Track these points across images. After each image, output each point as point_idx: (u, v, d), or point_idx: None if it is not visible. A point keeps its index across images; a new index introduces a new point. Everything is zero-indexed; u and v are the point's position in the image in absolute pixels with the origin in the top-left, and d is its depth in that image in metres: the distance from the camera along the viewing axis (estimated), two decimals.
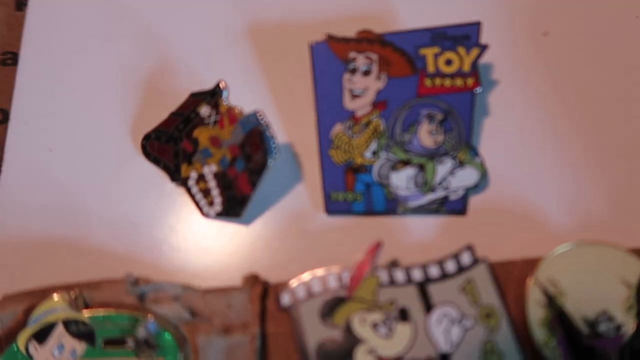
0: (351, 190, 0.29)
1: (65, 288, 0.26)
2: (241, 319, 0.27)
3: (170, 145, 0.30)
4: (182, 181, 0.30)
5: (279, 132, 0.30)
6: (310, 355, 0.24)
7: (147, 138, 0.30)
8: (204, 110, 0.29)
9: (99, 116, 0.33)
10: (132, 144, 0.32)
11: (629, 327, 0.23)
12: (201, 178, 0.29)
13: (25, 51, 0.35)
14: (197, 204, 0.30)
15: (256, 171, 0.28)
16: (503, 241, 0.27)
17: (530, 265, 0.25)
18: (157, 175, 0.31)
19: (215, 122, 0.29)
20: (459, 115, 0.28)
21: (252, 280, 0.27)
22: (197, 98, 0.30)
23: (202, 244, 0.29)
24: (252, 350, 0.26)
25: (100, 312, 0.25)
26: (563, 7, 0.32)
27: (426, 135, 0.28)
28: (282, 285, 0.27)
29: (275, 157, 0.28)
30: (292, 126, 0.31)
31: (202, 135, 0.29)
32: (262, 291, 0.27)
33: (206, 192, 0.29)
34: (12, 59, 0.36)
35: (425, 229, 0.28)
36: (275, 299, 0.26)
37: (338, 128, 0.29)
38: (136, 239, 0.30)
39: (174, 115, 0.30)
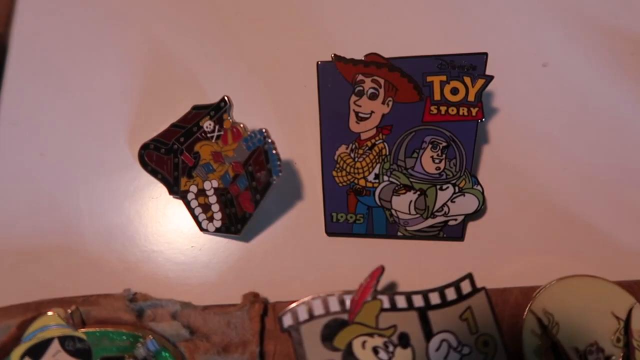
0: (353, 212, 0.29)
1: (61, 303, 0.25)
2: (240, 337, 0.27)
3: (170, 157, 0.29)
4: (181, 194, 0.29)
5: (282, 151, 0.30)
6: None
7: (145, 147, 0.30)
8: (207, 124, 0.29)
9: (93, 121, 0.32)
10: (128, 151, 0.31)
11: (618, 359, 0.24)
12: (201, 192, 0.29)
13: (14, 50, 0.34)
14: (195, 218, 0.29)
15: (259, 190, 0.28)
16: (499, 268, 0.28)
17: (525, 293, 0.26)
18: (153, 185, 0.30)
19: (219, 137, 0.29)
20: (462, 143, 0.29)
21: (252, 298, 0.27)
22: (200, 111, 0.29)
23: (200, 259, 0.29)
24: None
25: (98, 329, 0.25)
26: (562, 40, 0.33)
27: (429, 162, 0.29)
28: (282, 304, 0.27)
29: (279, 177, 0.28)
30: (295, 145, 0.31)
31: (204, 149, 0.29)
32: (262, 310, 0.27)
33: (206, 207, 0.29)
34: None
35: (424, 253, 0.29)
36: (276, 318, 0.27)
37: (342, 149, 0.29)
38: (131, 250, 0.29)
39: (174, 127, 0.30)
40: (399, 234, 0.29)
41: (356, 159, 0.29)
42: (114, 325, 0.25)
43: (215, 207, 0.29)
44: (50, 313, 0.25)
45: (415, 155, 0.29)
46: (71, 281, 0.28)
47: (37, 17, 0.35)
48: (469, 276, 0.25)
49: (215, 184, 0.29)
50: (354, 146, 0.29)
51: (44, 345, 0.24)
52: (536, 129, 0.31)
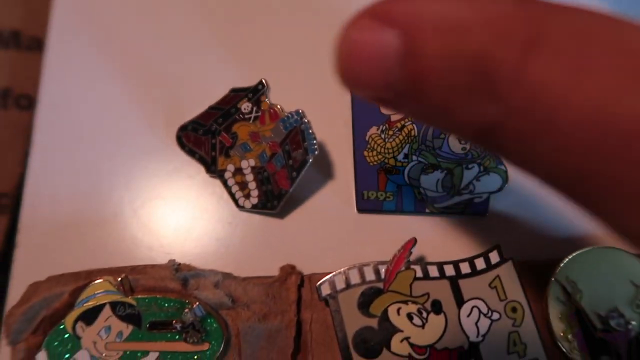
0: (383, 190, 0.31)
1: (110, 272, 0.27)
2: (278, 306, 0.28)
3: (208, 137, 0.31)
4: (218, 173, 0.31)
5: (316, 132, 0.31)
6: (349, 341, 0.26)
7: (183, 129, 0.31)
8: (245, 106, 0.30)
9: (132, 106, 0.33)
10: (165, 134, 0.32)
11: (637, 322, 0.26)
12: (238, 171, 0.30)
13: (53, 35, 0.35)
14: (232, 195, 0.30)
15: (295, 168, 0.29)
16: (522, 242, 0.30)
17: (549, 265, 0.27)
18: (190, 165, 0.31)
19: (256, 118, 0.30)
20: None
21: (289, 270, 0.29)
22: (237, 94, 0.31)
23: (237, 234, 0.30)
24: (290, 336, 0.27)
25: (146, 296, 0.26)
26: None
27: (455, 143, 0.30)
28: (317, 276, 0.28)
29: (315, 155, 0.29)
30: (327, 127, 0.32)
31: (241, 130, 0.30)
32: (298, 280, 0.28)
33: (243, 185, 0.30)
34: (37, 44, 0.36)
35: (450, 228, 0.31)
36: (312, 289, 0.28)
37: (373, 131, 0.31)
38: (172, 226, 0.30)
39: (212, 109, 0.31)
40: (427, 210, 0.30)
41: (386, 140, 0.31)
42: (161, 293, 0.26)
43: (252, 185, 0.30)
44: (101, 280, 0.26)
45: (442, 136, 0.30)
46: (117, 254, 0.29)
47: (75, 6, 0.36)
48: (497, 247, 0.27)
49: (252, 162, 0.30)
50: (384, 127, 0.31)
51: (96, 310, 0.25)
52: None
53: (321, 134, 0.32)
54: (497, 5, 0.15)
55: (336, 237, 0.31)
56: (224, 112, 0.30)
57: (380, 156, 0.31)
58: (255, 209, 0.30)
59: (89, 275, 0.26)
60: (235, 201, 0.31)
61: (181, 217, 0.31)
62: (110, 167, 0.32)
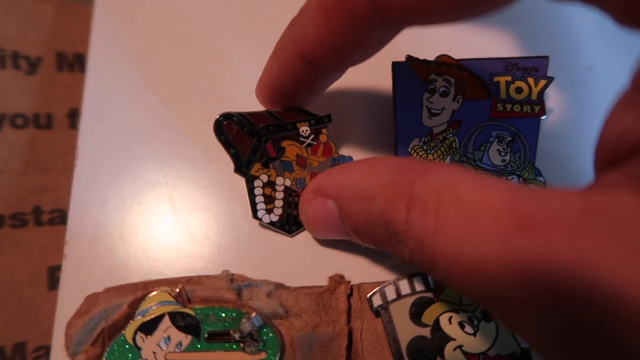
0: None
1: (167, 283, 0.27)
2: (329, 315, 0.28)
3: (252, 138, 0.30)
4: (248, 177, 0.30)
5: (360, 142, 0.32)
6: (403, 351, 0.27)
7: (227, 117, 0.29)
8: (304, 129, 0.30)
9: (172, 115, 0.33)
10: (209, 144, 0.32)
11: None
12: (270, 184, 0.30)
13: (94, 49, 0.35)
14: (253, 204, 0.30)
15: None
16: None
17: None
18: (235, 177, 0.32)
19: (309, 145, 0.30)
20: (525, 138, 0.31)
21: (338, 280, 0.29)
22: (301, 114, 0.30)
23: (285, 244, 0.31)
24: (342, 346, 0.28)
25: (204, 306, 0.26)
26: (606, 45, 0.37)
27: (495, 154, 0.31)
28: (366, 285, 0.29)
29: None
30: (370, 138, 0.33)
31: (290, 148, 0.30)
32: (348, 290, 0.29)
33: (269, 199, 0.30)
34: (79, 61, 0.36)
35: None
36: (361, 298, 0.28)
37: (415, 142, 0.31)
38: (220, 235, 0.31)
39: (268, 114, 0.30)
40: None
41: (428, 151, 0.31)
42: (218, 303, 0.27)
43: (279, 203, 0.30)
44: (159, 291, 0.26)
45: (483, 148, 0.31)
46: (168, 264, 0.29)
47: (115, 20, 0.36)
48: None
49: (287, 182, 0.30)
50: (426, 139, 0.31)
51: (155, 321, 0.26)
52: (587, 125, 0.34)
53: (366, 142, 0.33)
54: (388, 174, 0.20)
55: (376, 249, 0.31)
56: (281, 124, 0.30)
57: None
58: (272, 225, 0.30)
59: (147, 287, 0.27)
60: (255, 211, 0.30)
61: (229, 228, 0.31)
62: (154, 177, 0.32)
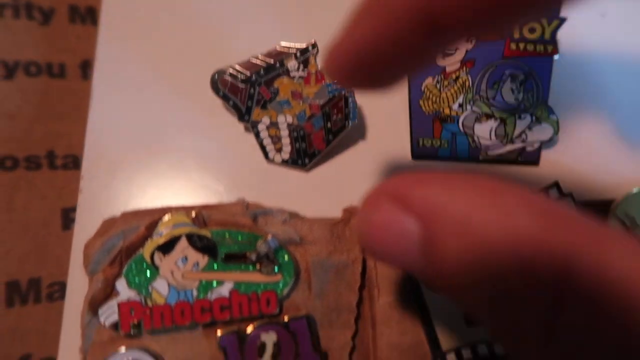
0: (438, 138, 0.32)
1: (183, 209, 0.27)
2: (343, 245, 0.29)
3: (246, 86, 0.31)
4: (251, 123, 0.31)
5: None
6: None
7: (220, 73, 0.31)
8: (292, 64, 0.31)
9: (184, 63, 0.34)
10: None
11: None
12: (273, 125, 0.31)
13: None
14: (263, 148, 0.31)
15: (333, 131, 0.30)
16: (574, 189, 0.31)
17: (606, 204, 0.28)
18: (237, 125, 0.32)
19: (301, 77, 0.31)
20: (538, 77, 0.31)
21: (352, 211, 0.30)
22: (286, 50, 0.31)
23: (299, 177, 0.31)
24: (357, 272, 0.28)
25: (220, 229, 0.27)
26: None
27: (508, 93, 0.32)
28: None
29: (354, 123, 0.30)
30: None
31: (283, 86, 0.31)
32: None
33: (275, 139, 0.31)
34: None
35: (504, 175, 0.32)
36: None
37: (429, 81, 0.32)
38: (234, 169, 0.31)
39: (256, 59, 0.31)
40: (480, 158, 0.32)
41: (442, 90, 0.32)
42: (234, 227, 0.27)
43: (286, 141, 0.31)
44: (176, 214, 0.26)
45: (496, 87, 0.32)
46: (186, 194, 0.29)
47: None
48: (556, 184, 0.28)
49: (289, 119, 0.31)
50: (439, 78, 0.32)
51: (173, 241, 0.26)
52: (598, 67, 0.34)
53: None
54: (526, 218, 0.14)
55: None
56: (269, 65, 0.31)
57: (435, 105, 0.32)
58: (285, 163, 0.31)
59: (163, 212, 0.27)
60: (265, 154, 0.31)
61: (243, 169, 0.31)
62: (167, 124, 0.32)
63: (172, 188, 0.30)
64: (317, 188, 0.31)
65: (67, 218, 0.32)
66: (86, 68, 0.36)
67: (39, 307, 0.30)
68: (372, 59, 0.18)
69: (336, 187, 0.31)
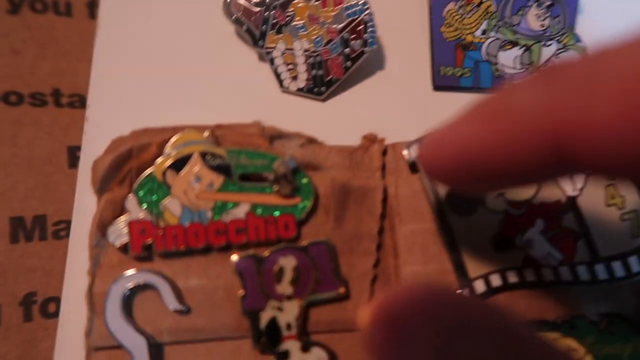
0: (460, 66, 0.30)
1: (195, 129, 0.26)
2: (362, 172, 0.27)
3: (260, 9, 0.29)
4: (265, 49, 0.29)
5: (389, 8, 0.31)
6: (443, 201, 0.26)
7: None
8: None
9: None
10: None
11: None
12: (288, 51, 0.29)
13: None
14: (277, 75, 0.29)
15: (351, 57, 0.29)
16: None
17: None
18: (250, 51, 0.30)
19: (317, 0, 0.29)
20: (565, 2, 0.30)
21: (372, 138, 0.28)
22: None
23: (315, 106, 0.30)
24: (378, 199, 0.26)
25: (236, 148, 0.25)
26: None
27: (534, 19, 0.30)
28: (402, 144, 0.28)
29: (373, 49, 0.29)
30: (400, 3, 0.32)
31: (299, 9, 0.29)
32: (382, 148, 0.28)
33: (291, 66, 0.30)
34: None
35: None
36: (398, 156, 0.27)
37: (451, 6, 0.30)
38: (241, 102, 0.30)
39: None
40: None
41: (464, 16, 0.30)
42: (250, 147, 0.26)
43: (302, 68, 0.29)
44: (189, 132, 0.25)
45: (521, 12, 0.30)
46: (198, 115, 0.28)
47: None
48: None
49: (305, 44, 0.29)
50: (462, 3, 0.30)
51: (185, 159, 0.24)
52: None
53: (394, 9, 0.32)
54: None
55: (413, 113, 0.30)
56: None
57: (457, 32, 0.30)
58: (301, 92, 0.30)
59: (175, 130, 0.25)
60: (280, 82, 0.29)
61: (257, 98, 0.30)
62: (175, 55, 0.31)
63: (181, 118, 0.29)
64: (333, 118, 0.30)
65: (74, 156, 0.30)
66: (93, 7, 0.34)
67: (45, 245, 0.29)
68: (484, 167, 0.16)
69: (353, 117, 0.30)
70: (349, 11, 0.29)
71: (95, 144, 0.27)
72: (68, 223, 0.29)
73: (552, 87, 0.14)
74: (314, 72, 0.29)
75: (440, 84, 0.30)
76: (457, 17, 0.30)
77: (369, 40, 0.29)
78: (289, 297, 0.24)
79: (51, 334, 0.26)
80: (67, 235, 0.28)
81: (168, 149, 0.24)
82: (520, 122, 0.15)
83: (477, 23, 0.30)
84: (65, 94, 0.32)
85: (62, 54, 0.33)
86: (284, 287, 0.24)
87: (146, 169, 0.24)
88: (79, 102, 0.32)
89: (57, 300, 0.27)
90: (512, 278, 0.25)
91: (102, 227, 0.24)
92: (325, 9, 0.29)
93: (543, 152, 0.14)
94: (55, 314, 0.26)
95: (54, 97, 0.32)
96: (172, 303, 0.23)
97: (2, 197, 0.29)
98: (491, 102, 0.16)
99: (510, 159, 0.15)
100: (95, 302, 0.23)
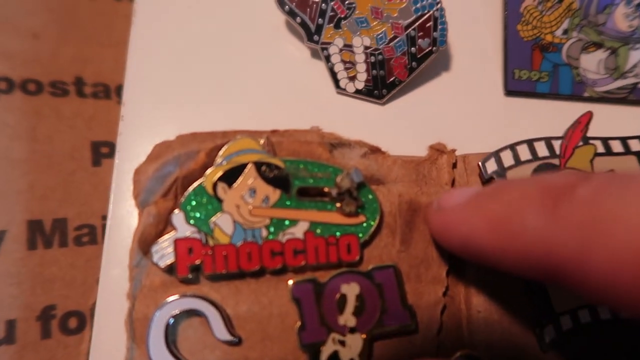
0: (537, 69, 0.27)
1: (249, 133, 0.23)
2: (430, 187, 0.24)
3: (318, 0, 0.26)
4: (321, 45, 0.26)
5: (459, 2, 0.27)
6: None
7: None
8: None
9: None
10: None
11: None
12: (347, 47, 0.26)
13: None
14: (333, 75, 0.27)
15: (417, 57, 0.26)
16: None
17: None
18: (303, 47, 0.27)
19: None
20: None
21: (440, 149, 0.25)
22: None
23: (378, 112, 0.27)
24: None
25: (295, 158, 0.22)
26: None
27: (621, 19, 0.27)
28: (473, 156, 0.25)
29: (443, 48, 0.26)
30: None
31: (362, 1, 0.26)
32: (453, 160, 0.25)
33: (349, 65, 0.26)
34: None
35: (612, 115, 0.27)
36: (469, 169, 0.24)
37: (529, 2, 0.27)
38: (291, 104, 0.27)
39: None
40: (586, 94, 0.27)
41: (544, 12, 0.27)
42: (309, 157, 0.23)
43: (361, 67, 0.26)
44: (243, 137, 0.22)
45: (607, 11, 0.27)
46: (244, 124, 0.25)
47: None
48: None
49: (366, 41, 0.26)
50: None
51: (238, 170, 0.22)
52: None
53: (463, 3, 0.28)
54: None
55: (482, 121, 0.27)
56: None
57: (535, 31, 0.27)
58: (359, 94, 0.27)
59: (226, 135, 0.23)
60: (336, 82, 0.27)
61: (310, 101, 0.27)
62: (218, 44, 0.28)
63: (226, 118, 0.26)
64: (394, 124, 0.27)
65: (98, 153, 0.27)
66: None
67: (66, 252, 0.26)
68: (485, 259, 0.18)
69: (416, 124, 0.27)
70: (418, 5, 0.25)
71: (131, 145, 0.24)
72: (91, 227, 0.26)
73: (559, 217, 0.14)
74: (374, 72, 0.26)
75: (514, 88, 0.27)
76: (536, 14, 0.27)
77: (439, 39, 0.25)
78: (352, 330, 0.21)
79: (71, 352, 0.23)
80: (90, 242, 0.25)
81: (219, 158, 0.22)
82: (522, 244, 0.16)
83: (558, 21, 0.27)
84: (89, 82, 0.29)
85: (85, 38, 0.30)
86: (347, 317, 0.21)
87: (194, 180, 0.21)
88: (104, 92, 0.29)
89: (78, 314, 0.24)
90: (604, 314, 0.22)
91: (144, 244, 0.21)
92: (391, 1, 0.26)
93: (538, 273, 0.16)
94: (77, 330, 0.24)
95: (76, 86, 0.29)
96: (221, 333, 0.21)
97: (19, 197, 0.26)
98: (502, 207, 0.17)
99: (510, 265, 0.17)
100: (135, 329, 0.21)
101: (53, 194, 0.27)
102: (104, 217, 0.26)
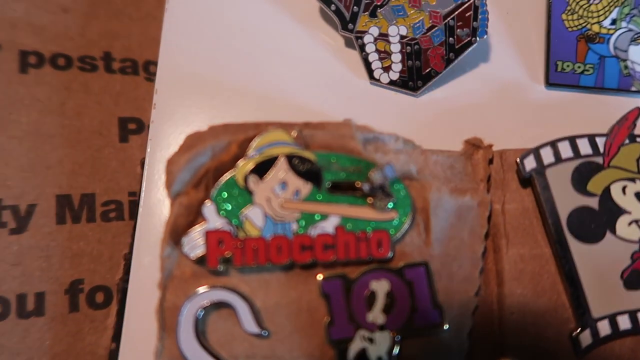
0: (581, 61, 0.26)
1: (281, 126, 0.22)
2: (465, 183, 0.24)
3: None
4: (355, 34, 0.25)
5: None
6: (562, 223, 0.22)
7: None
8: None
9: None
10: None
11: None
12: (383, 37, 0.26)
13: None
14: (367, 64, 0.26)
15: (455, 48, 0.25)
16: None
17: None
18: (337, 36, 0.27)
19: None
20: None
21: (476, 144, 0.24)
22: None
23: (405, 108, 0.26)
24: (483, 216, 0.23)
25: (326, 152, 0.22)
26: None
27: None
28: (511, 152, 0.24)
29: (482, 39, 0.24)
30: None
31: None
32: (489, 156, 0.24)
33: (384, 55, 0.26)
34: None
35: None
36: (506, 166, 0.24)
37: None
38: (323, 94, 0.26)
39: None
40: (633, 88, 0.26)
41: (591, 1, 0.26)
42: (341, 151, 0.22)
43: (397, 57, 0.26)
44: (275, 129, 0.22)
45: None
46: (276, 114, 0.25)
47: None
48: None
49: (403, 30, 0.25)
50: None
51: (269, 163, 0.21)
52: None
53: None
54: None
55: (522, 114, 0.26)
56: None
57: (581, 20, 0.26)
58: (393, 85, 0.26)
59: (258, 127, 0.22)
60: (370, 72, 0.26)
61: (343, 92, 0.26)
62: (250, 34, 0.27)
63: (258, 109, 0.25)
64: (428, 117, 0.26)
65: (125, 129, 0.27)
66: None
67: (93, 227, 0.26)
68: None
69: (451, 117, 0.26)
70: None
71: (163, 134, 0.24)
72: (118, 204, 0.26)
73: None
74: (410, 63, 0.25)
75: (556, 81, 0.26)
76: (583, 2, 0.26)
77: (479, 29, 0.24)
78: (381, 327, 0.21)
79: (98, 326, 0.24)
80: (117, 217, 0.26)
81: (251, 149, 0.21)
82: None
83: (607, 11, 0.26)
84: (117, 58, 0.29)
85: (113, 13, 0.30)
86: (376, 315, 0.21)
87: (225, 171, 0.21)
88: (132, 67, 0.29)
89: (105, 289, 0.25)
90: None
91: (175, 234, 0.21)
92: None
93: None
94: (104, 305, 0.24)
95: (105, 61, 0.29)
96: (250, 325, 0.21)
97: (48, 172, 0.26)
98: None
99: None
100: (166, 318, 0.21)
101: (81, 170, 0.27)
102: (131, 194, 0.26)
